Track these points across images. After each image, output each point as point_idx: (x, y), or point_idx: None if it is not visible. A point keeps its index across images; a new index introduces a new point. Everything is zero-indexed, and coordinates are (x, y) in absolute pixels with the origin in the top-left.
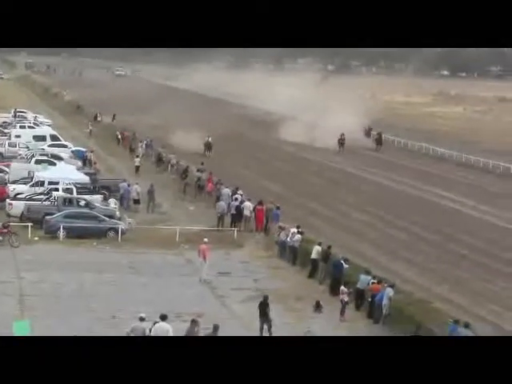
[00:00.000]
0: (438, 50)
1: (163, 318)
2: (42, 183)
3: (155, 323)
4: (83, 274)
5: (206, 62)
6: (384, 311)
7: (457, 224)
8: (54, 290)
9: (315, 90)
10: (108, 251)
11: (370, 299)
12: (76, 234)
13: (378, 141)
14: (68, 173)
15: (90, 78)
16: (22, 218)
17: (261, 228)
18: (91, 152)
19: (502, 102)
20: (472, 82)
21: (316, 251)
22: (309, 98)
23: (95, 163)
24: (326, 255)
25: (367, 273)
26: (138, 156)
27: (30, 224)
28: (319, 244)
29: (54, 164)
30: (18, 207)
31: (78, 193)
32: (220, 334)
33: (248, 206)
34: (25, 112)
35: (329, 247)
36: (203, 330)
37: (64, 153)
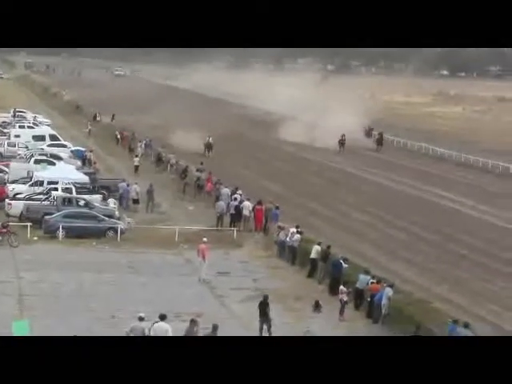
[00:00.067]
0: (438, 49)
1: (162, 317)
2: (41, 183)
3: (154, 323)
4: (82, 273)
5: (205, 61)
6: (383, 311)
7: (456, 224)
8: (53, 289)
9: (315, 90)
10: (107, 251)
11: (369, 299)
12: (75, 234)
13: (379, 141)
14: (67, 172)
15: (90, 77)
16: (22, 217)
17: (260, 228)
18: (90, 152)
19: (501, 102)
20: (471, 81)
21: (315, 251)
22: (309, 98)
23: (95, 163)
24: (325, 255)
25: (366, 272)
26: (137, 156)
27: (29, 224)
28: (318, 244)
29: (54, 164)
30: (17, 207)
31: (78, 192)
32: (219, 333)
33: (247, 205)
34: (24, 112)
35: (328, 247)
36: (202, 330)
37: (63, 152)
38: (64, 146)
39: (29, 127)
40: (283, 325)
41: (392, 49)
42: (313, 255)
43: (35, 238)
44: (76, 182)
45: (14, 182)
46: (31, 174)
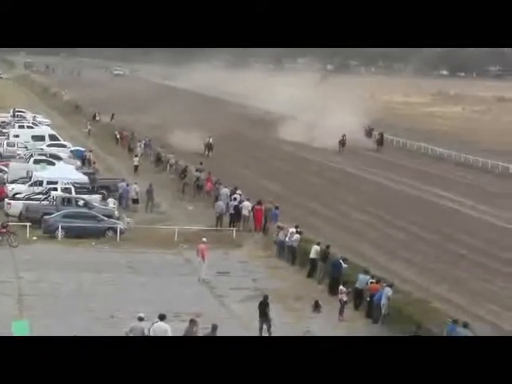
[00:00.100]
0: (437, 49)
1: (162, 317)
2: (40, 183)
3: (154, 323)
4: (82, 273)
5: (205, 61)
6: (383, 311)
7: (456, 224)
8: (52, 289)
9: (314, 89)
10: (107, 251)
11: (368, 299)
12: (74, 234)
13: (380, 141)
14: (67, 172)
15: (89, 77)
16: (21, 217)
17: (259, 228)
18: (90, 152)
19: (500, 102)
20: (471, 81)
21: (315, 251)
22: (308, 98)
23: (94, 163)
24: (324, 255)
25: (366, 272)
26: (136, 155)
27: (28, 224)
28: (318, 244)
29: (53, 164)
30: (16, 207)
31: (77, 192)
32: (219, 333)
33: (247, 205)
34: (23, 112)
35: (327, 247)
36: (202, 330)
37: (63, 152)
38: (63, 145)
39: (28, 127)
40: (283, 325)
41: (391, 49)
42: (312, 255)
43: (34, 238)
44: (75, 182)
45: (13, 181)
46: (30, 174)
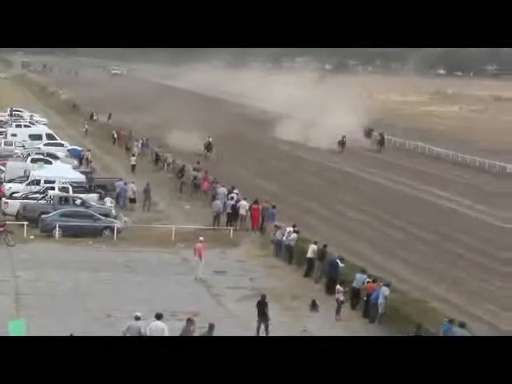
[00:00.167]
0: (435, 49)
1: (159, 316)
2: (37, 182)
3: (151, 322)
4: (79, 272)
5: (203, 61)
6: (379, 310)
7: (453, 223)
8: (49, 288)
9: (312, 89)
10: (104, 250)
11: (365, 298)
12: (72, 233)
13: (381, 142)
14: (64, 172)
15: (86, 77)
16: (18, 216)
17: (257, 227)
18: (88, 151)
19: (497, 101)
20: (468, 81)
21: (312, 250)
22: (306, 97)
23: (90, 162)
24: (321, 254)
25: (363, 272)
26: (133, 155)
27: (25, 223)
28: (315, 243)
29: (50, 163)
30: (13, 206)
31: (74, 191)
32: (216, 332)
33: (244, 204)
34: (21, 111)
35: (325, 246)
36: (199, 329)
37: (60, 152)
38: (61, 145)
39: (25, 126)
40: (280, 324)
41: (389, 48)
42: (309, 254)
43: (32, 237)
44: (73, 181)
45: (10, 181)
46: (28, 173)
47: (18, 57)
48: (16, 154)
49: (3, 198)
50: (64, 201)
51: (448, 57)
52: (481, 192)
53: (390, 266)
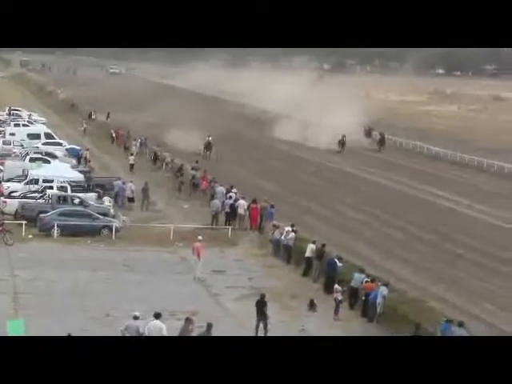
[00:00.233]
0: (433, 48)
1: (157, 316)
2: (36, 181)
3: (149, 321)
4: (77, 271)
5: (202, 60)
6: (378, 310)
7: (452, 223)
8: (48, 287)
9: (311, 88)
10: (102, 249)
11: (363, 298)
12: (70, 232)
13: (381, 142)
14: (62, 171)
15: (85, 76)
16: (17, 215)
17: (255, 226)
18: (87, 150)
19: (496, 101)
20: (467, 80)
21: (310, 249)
22: (305, 97)
23: (89, 161)
24: (320, 253)
25: (361, 271)
26: (132, 154)
27: (24, 222)
28: (313, 242)
29: (49, 162)
30: (12, 205)
31: (73, 191)
32: (214, 332)
33: (242, 204)
34: (19, 110)
35: (323, 245)
36: (197, 329)
37: (58, 151)
38: (59, 144)
39: (24, 125)
40: (278, 323)
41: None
42: (308, 254)
43: (30, 236)
44: (71, 181)
45: (9, 180)
46: (26, 173)
47: (17, 56)
48: (14, 153)
49: (1, 197)
50: (62, 200)
51: (447, 56)
52: (479, 191)
53: (388, 265)
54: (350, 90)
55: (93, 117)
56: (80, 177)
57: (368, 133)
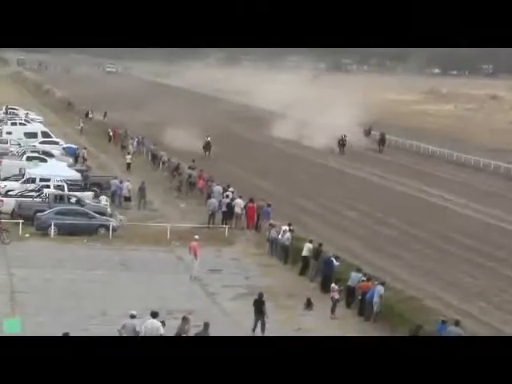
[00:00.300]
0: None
1: (154, 315)
2: (33, 180)
3: (146, 320)
4: (74, 270)
5: (198, 59)
6: (375, 309)
7: (448, 222)
8: (44, 286)
9: (308, 87)
10: (99, 248)
11: (360, 297)
12: (67, 231)
13: (381, 141)
14: (59, 170)
15: (81, 75)
16: (13, 214)
17: (252, 225)
18: (84, 149)
19: (493, 100)
20: (463, 80)
21: (307, 248)
22: (302, 96)
23: (86, 160)
24: (317, 252)
25: (358, 270)
26: (129, 153)
27: (21, 221)
28: (310, 241)
29: (46, 161)
30: (9, 204)
31: (70, 190)
32: (211, 331)
33: (239, 203)
34: (16, 109)
35: (320, 245)
36: (194, 328)
37: (55, 150)
38: (56, 143)
39: (21, 124)
40: (275, 322)
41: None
42: (304, 253)
43: (27, 235)
44: (68, 180)
45: (6, 179)
46: (23, 171)
47: (14, 54)
48: (11, 152)
49: None
50: (59, 199)
51: (443, 56)
52: (476, 191)
53: (385, 264)
54: (346, 90)
55: (90, 116)
56: (77, 176)
57: (368, 132)
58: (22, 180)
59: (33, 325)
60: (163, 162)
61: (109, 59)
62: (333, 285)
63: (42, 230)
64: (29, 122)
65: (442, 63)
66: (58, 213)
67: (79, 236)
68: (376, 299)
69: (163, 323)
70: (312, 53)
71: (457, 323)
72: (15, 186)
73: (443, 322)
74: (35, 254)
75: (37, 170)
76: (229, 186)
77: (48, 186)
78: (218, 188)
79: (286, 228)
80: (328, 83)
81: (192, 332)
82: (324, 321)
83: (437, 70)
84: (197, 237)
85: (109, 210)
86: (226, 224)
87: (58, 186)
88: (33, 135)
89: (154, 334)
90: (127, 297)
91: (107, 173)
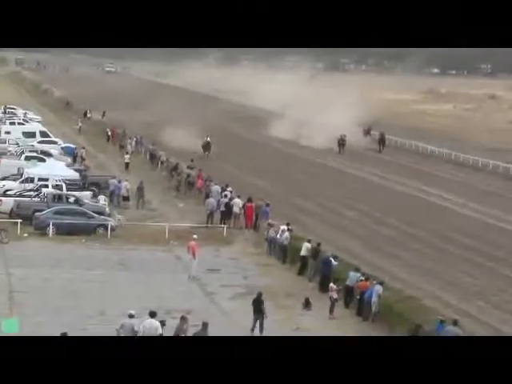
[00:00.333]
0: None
1: (152, 314)
2: (31, 180)
3: (145, 320)
4: (73, 270)
5: (197, 59)
6: (373, 309)
7: (447, 222)
8: (43, 286)
9: (306, 87)
10: (97, 248)
11: (358, 297)
12: (65, 231)
13: (381, 141)
14: (58, 169)
15: (80, 74)
16: (12, 214)
17: (250, 225)
18: (83, 148)
19: (491, 100)
20: (462, 79)
21: (305, 248)
22: (300, 95)
23: (84, 160)
24: (315, 252)
25: (357, 270)
26: (127, 153)
27: (19, 220)
28: (308, 241)
29: (44, 160)
30: (7, 203)
31: (68, 189)
32: (209, 331)
33: (237, 202)
34: (15, 108)
35: (318, 244)
36: (192, 327)
37: (54, 149)
38: (54, 142)
39: (19, 124)
40: (273, 322)
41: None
42: (303, 252)
43: (25, 235)
44: (66, 179)
45: (4, 178)
46: (22, 171)
47: (12, 54)
48: (10, 151)
49: None
50: (58, 198)
51: (442, 55)
52: (474, 190)
53: (383, 264)
54: (344, 89)
55: (88, 115)
56: (75, 175)
57: (367, 132)
58: (21, 179)
59: (31, 324)
60: (162, 162)
61: (108, 59)
62: (331, 284)
63: (41, 230)
64: (27, 122)
65: (441, 63)
66: (57, 212)
67: (78, 236)
68: (374, 299)
69: (164, 323)
70: (310, 52)
71: (455, 323)
72: (13, 185)
73: (441, 321)
74: (33, 254)
75: (35, 170)
76: (227, 186)
77: (46, 186)
78: (216, 188)
79: (285, 228)
80: (326, 83)
81: (190, 332)
82: (322, 320)
83: (435, 70)
84: (195, 236)
85: (107, 209)
86: (224, 224)
87: (57, 185)
88: (31, 135)
89: (153, 334)
90: (126, 296)
91: (106, 172)
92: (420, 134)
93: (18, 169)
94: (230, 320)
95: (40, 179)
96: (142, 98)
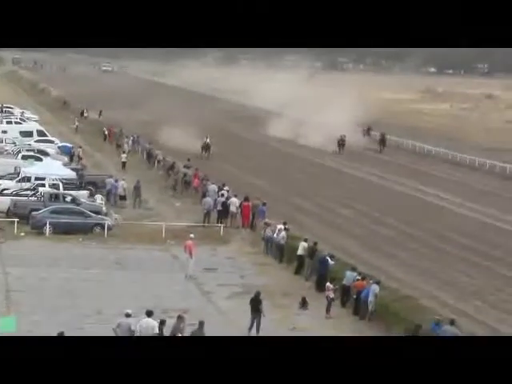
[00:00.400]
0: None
1: (149, 314)
2: (28, 179)
3: (142, 319)
4: (69, 269)
5: (195, 58)
6: (370, 308)
7: (444, 221)
8: (40, 285)
9: (304, 86)
10: (94, 247)
11: (355, 296)
12: (62, 230)
13: (382, 141)
14: (54, 168)
15: (77, 73)
16: (9, 213)
17: (247, 224)
18: (80, 148)
19: (488, 99)
20: (459, 79)
21: (302, 247)
22: (298, 95)
23: (81, 159)
24: (312, 251)
25: (353, 269)
26: (124, 152)
27: (16, 219)
28: (305, 240)
29: (41, 159)
30: (4, 203)
31: (65, 188)
32: (206, 330)
33: (234, 202)
34: (11, 107)
35: (315, 243)
36: (189, 326)
37: (50, 148)
38: (51, 141)
39: (16, 123)
40: (270, 321)
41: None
42: (300, 252)
43: (22, 234)
44: (63, 178)
45: (1, 177)
46: (18, 170)
47: (9, 53)
48: (6, 150)
49: None
50: (54, 198)
51: (439, 55)
52: (471, 190)
53: (380, 263)
54: (342, 89)
55: (85, 114)
56: (72, 174)
57: (367, 132)
58: (17, 179)
59: (28, 324)
60: (158, 161)
61: (105, 58)
62: (328, 284)
63: (37, 229)
64: (24, 121)
65: (438, 62)
66: (54, 211)
67: (74, 235)
68: (371, 298)
69: (164, 322)
70: (310, 52)
71: (452, 322)
72: (10, 184)
73: (436, 322)
74: (30, 253)
75: (32, 169)
76: (224, 185)
77: (43, 185)
78: (213, 187)
79: (282, 227)
80: (324, 82)
81: (187, 331)
82: (319, 320)
83: (432, 69)
84: (192, 235)
85: (104, 208)
86: (221, 223)
87: (54, 184)
88: (28, 134)
89: (150, 333)
90: (122, 296)
91: (102, 171)
92: (417, 134)
93: (15, 168)
94: (227, 319)
95: (37, 178)
96: (138, 97)
